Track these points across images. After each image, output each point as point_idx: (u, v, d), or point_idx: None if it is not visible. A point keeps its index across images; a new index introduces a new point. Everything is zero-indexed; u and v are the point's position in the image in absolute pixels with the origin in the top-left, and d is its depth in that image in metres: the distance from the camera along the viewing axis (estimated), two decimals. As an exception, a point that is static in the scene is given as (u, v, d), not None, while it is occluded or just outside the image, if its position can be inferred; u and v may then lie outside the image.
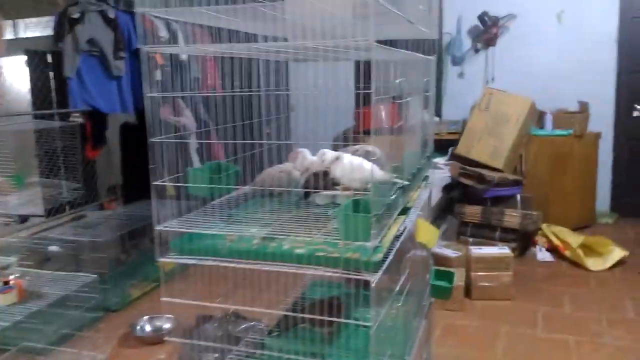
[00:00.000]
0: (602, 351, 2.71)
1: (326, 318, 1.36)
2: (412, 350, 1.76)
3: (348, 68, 5.39)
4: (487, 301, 3.31)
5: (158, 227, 1.19)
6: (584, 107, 4.67)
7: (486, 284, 3.36)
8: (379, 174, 1.45)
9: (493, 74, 5.26)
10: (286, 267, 1.12)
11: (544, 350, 2.72)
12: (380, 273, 1.12)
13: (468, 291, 3.38)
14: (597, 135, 4.69)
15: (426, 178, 2.06)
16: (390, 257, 1.23)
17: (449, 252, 3.68)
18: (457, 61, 5.42)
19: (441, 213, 4.50)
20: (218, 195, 1.43)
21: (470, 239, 4.10)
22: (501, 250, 3.46)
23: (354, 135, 4.48)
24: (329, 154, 1.51)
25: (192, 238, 1.23)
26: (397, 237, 1.40)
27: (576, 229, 4.56)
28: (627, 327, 2.94)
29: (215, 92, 3.63)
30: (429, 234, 1.64)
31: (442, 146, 4.78)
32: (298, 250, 1.17)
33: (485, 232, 4.11)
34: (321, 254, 1.16)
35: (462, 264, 3.51)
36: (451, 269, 2.24)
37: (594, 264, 3.78)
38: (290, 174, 1.48)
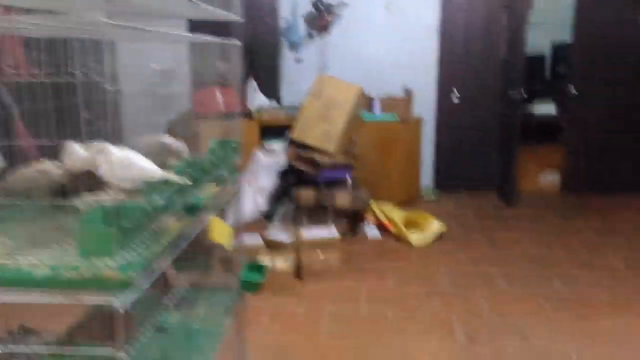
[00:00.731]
0: (418, 324, 2.91)
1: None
2: (214, 352, 1.68)
3: (183, 49, 5.08)
4: (317, 283, 3.38)
5: None
6: (408, 94, 4.98)
7: (316, 266, 3.42)
8: (154, 171, 1.31)
9: (328, 60, 5.36)
10: (14, 295, 0.93)
11: (364, 327, 2.84)
12: (134, 294, 0.99)
13: (300, 274, 3.42)
14: (420, 120, 5.05)
15: (233, 171, 1.96)
16: (156, 270, 1.10)
17: (283, 237, 3.69)
18: (294, 46, 5.43)
19: (279, 198, 4.50)
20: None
21: (306, 222, 4.16)
22: (329, 231, 3.55)
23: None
24: (98, 147, 1.32)
25: None
26: (176, 242, 1.28)
27: (405, 205, 4.89)
28: (442, 299, 3.20)
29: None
30: (223, 233, 1.55)
31: (280, 131, 4.78)
32: (37, 272, 0.99)
33: (320, 214, 4.20)
34: (67, 273, 0.99)
35: (295, 248, 3.54)
36: (262, 263, 2.19)
37: (416, 238, 4.07)
38: (49, 174, 1.27)
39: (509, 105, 4.97)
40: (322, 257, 3.46)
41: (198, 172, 1.58)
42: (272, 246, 3.68)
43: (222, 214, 1.97)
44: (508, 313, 2.99)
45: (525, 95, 4.91)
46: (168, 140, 1.79)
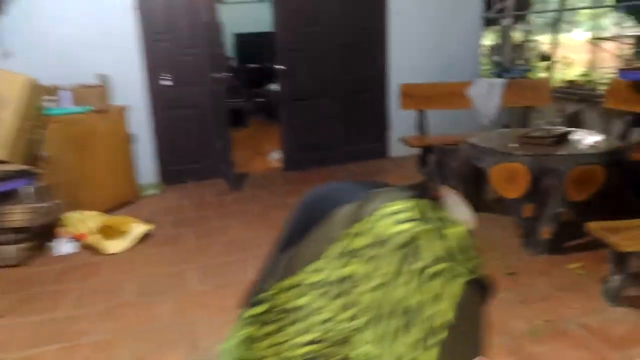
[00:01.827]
0: (77, 355, 2.48)
1: None
2: None
3: None
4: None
5: None
6: (103, 81, 4.42)
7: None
8: None
9: (10, 45, 4.46)
10: None
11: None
12: None
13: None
14: (122, 109, 4.54)
15: None
16: None
17: None
18: (-40, 31, 4.39)
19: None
20: None
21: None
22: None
23: None
24: None
25: None
26: None
27: (120, 207, 4.39)
28: (120, 315, 2.80)
29: None
30: None
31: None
32: None
33: (-10, 238, 3.45)
34: None
35: None
36: None
37: (114, 245, 3.61)
38: None
39: (216, 87, 4.77)
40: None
41: None
42: None
43: None
44: (188, 319, 2.74)
45: (229, 75, 4.75)
46: None
